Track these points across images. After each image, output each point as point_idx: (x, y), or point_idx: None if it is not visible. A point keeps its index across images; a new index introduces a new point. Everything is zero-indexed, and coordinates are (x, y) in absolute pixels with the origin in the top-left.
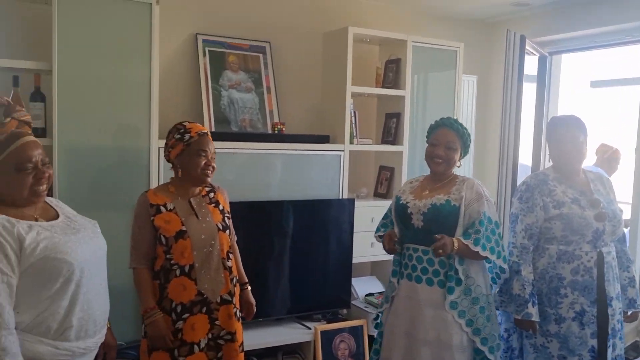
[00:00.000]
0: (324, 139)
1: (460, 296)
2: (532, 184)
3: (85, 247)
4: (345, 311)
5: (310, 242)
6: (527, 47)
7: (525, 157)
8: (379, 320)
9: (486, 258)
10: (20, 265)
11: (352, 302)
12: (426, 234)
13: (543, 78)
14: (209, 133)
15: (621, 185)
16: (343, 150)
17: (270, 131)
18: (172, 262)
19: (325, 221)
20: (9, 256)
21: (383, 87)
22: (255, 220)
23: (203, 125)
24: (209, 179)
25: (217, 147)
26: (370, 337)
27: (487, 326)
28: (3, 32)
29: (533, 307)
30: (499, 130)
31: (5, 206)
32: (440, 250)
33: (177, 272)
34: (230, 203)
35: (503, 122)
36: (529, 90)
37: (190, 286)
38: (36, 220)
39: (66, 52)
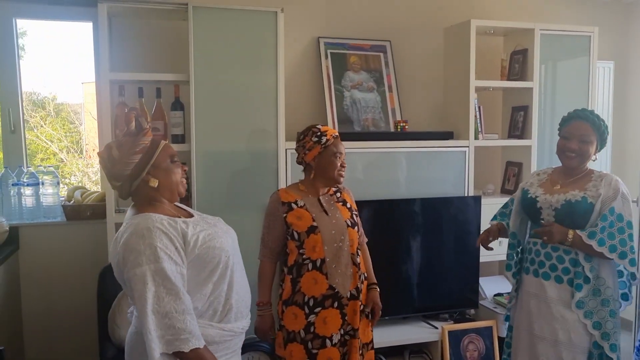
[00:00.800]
0: (447, 135)
1: (588, 296)
2: None
3: (227, 236)
4: (473, 311)
5: (436, 241)
6: None
7: None
8: (508, 314)
9: (603, 255)
10: (187, 256)
11: (480, 302)
12: None
13: None
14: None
15: None
16: (468, 146)
17: (392, 129)
18: (304, 256)
19: (451, 219)
20: (178, 249)
21: (509, 79)
22: (381, 218)
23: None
24: (343, 179)
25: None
26: (501, 339)
27: (616, 332)
28: (147, 48)
29: None
30: None
31: (156, 207)
32: (545, 237)
33: (309, 266)
34: (356, 202)
35: None
36: None
37: (321, 280)
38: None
39: (201, 63)
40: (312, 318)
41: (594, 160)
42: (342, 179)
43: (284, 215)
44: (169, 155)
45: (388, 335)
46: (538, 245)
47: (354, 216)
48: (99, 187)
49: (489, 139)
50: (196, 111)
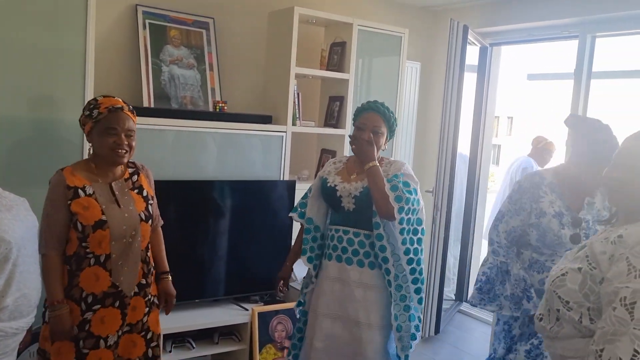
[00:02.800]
0: (266, 120)
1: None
2: (525, 186)
3: (20, 225)
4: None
5: (250, 224)
6: (469, 37)
7: (465, 147)
8: (302, 300)
9: (387, 200)
10: None
11: (290, 284)
12: (357, 217)
13: (483, 69)
14: (127, 108)
15: None
16: (285, 132)
17: (211, 109)
18: (88, 250)
19: (266, 202)
20: None
21: (327, 69)
22: (195, 199)
23: (142, 102)
24: (122, 160)
25: (156, 125)
26: None
27: (402, 314)
28: None
29: (529, 302)
30: (440, 117)
31: None
32: (354, 146)
33: (92, 261)
34: (169, 182)
35: (444, 110)
36: (470, 80)
37: (104, 277)
38: None
39: None
40: (88, 315)
41: (383, 150)
42: (120, 159)
43: (69, 202)
44: None
45: (197, 319)
46: (340, 232)
47: (149, 206)
48: None
49: (306, 125)
50: None
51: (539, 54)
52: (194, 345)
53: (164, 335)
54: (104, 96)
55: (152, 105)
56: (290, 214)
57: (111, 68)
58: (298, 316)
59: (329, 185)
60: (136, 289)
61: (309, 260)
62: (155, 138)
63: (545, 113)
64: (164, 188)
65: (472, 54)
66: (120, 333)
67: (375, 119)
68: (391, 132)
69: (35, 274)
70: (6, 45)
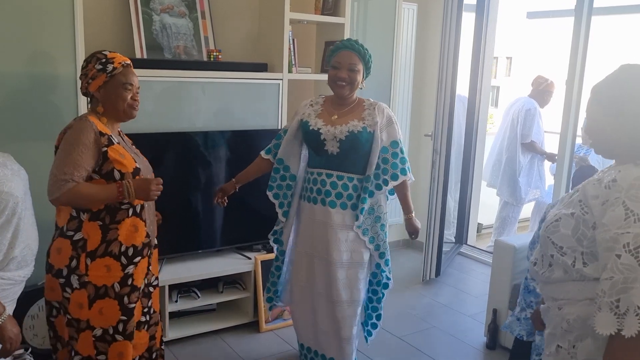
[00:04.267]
0: (261, 67)
1: (364, 215)
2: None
3: (18, 180)
4: None
5: None
6: None
7: (463, 89)
8: (279, 238)
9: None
10: None
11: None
12: (341, 160)
13: (482, 8)
14: (132, 64)
15: (555, 117)
16: (282, 79)
17: (205, 59)
18: (125, 201)
19: None
20: None
21: (322, 14)
22: (193, 151)
23: (134, 53)
24: (135, 115)
25: (150, 76)
26: None
27: (385, 241)
28: None
29: None
30: (438, 59)
31: None
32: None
33: (129, 212)
34: (167, 134)
35: (442, 51)
36: (469, 20)
37: (141, 227)
38: None
39: None
40: (130, 269)
41: (361, 89)
42: (134, 112)
43: (104, 148)
44: None
45: (202, 268)
46: (323, 175)
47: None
48: None
49: (302, 72)
50: None
51: None
52: (199, 295)
53: (170, 285)
54: (109, 51)
55: (145, 57)
56: (261, 153)
57: (101, 19)
58: (276, 254)
59: (311, 128)
60: (156, 241)
61: (275, 196)
62: (149, 90)
63: (545, 52)
64: (161, 140)
65: None
66: (146, 281)
67: (350, 57)
68: (367, 69)
69: (33, 226)
70: None
